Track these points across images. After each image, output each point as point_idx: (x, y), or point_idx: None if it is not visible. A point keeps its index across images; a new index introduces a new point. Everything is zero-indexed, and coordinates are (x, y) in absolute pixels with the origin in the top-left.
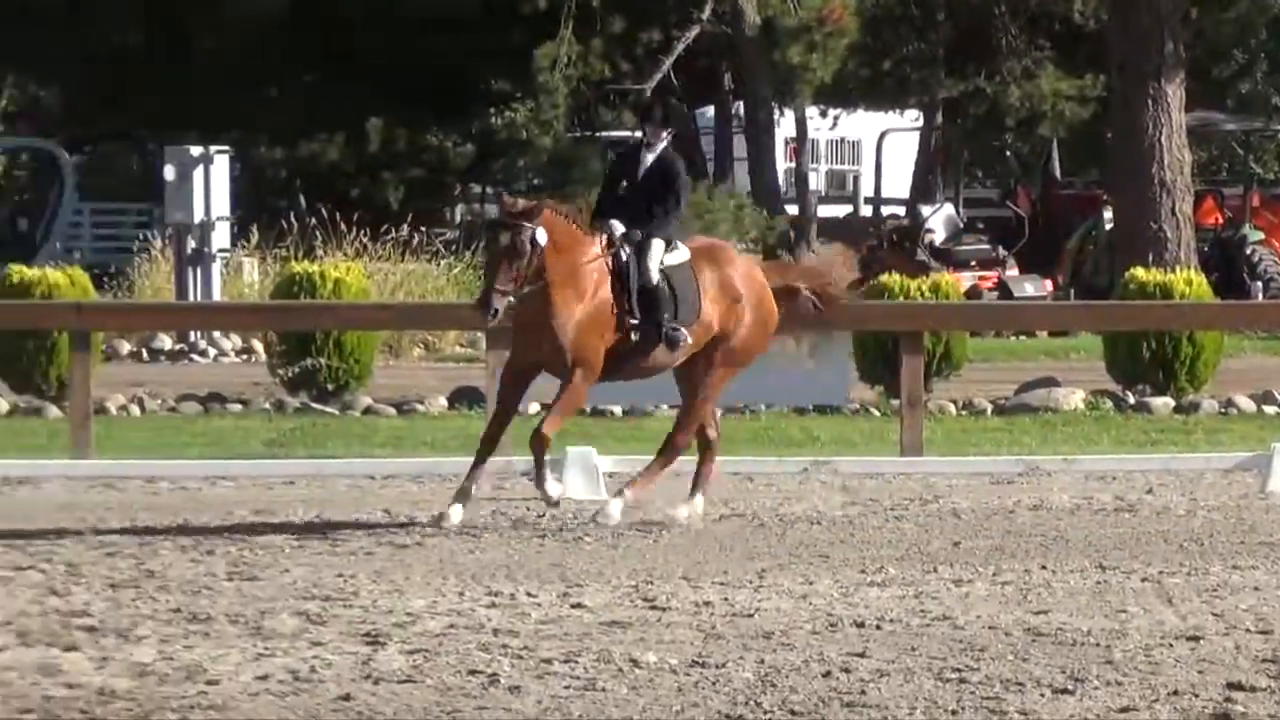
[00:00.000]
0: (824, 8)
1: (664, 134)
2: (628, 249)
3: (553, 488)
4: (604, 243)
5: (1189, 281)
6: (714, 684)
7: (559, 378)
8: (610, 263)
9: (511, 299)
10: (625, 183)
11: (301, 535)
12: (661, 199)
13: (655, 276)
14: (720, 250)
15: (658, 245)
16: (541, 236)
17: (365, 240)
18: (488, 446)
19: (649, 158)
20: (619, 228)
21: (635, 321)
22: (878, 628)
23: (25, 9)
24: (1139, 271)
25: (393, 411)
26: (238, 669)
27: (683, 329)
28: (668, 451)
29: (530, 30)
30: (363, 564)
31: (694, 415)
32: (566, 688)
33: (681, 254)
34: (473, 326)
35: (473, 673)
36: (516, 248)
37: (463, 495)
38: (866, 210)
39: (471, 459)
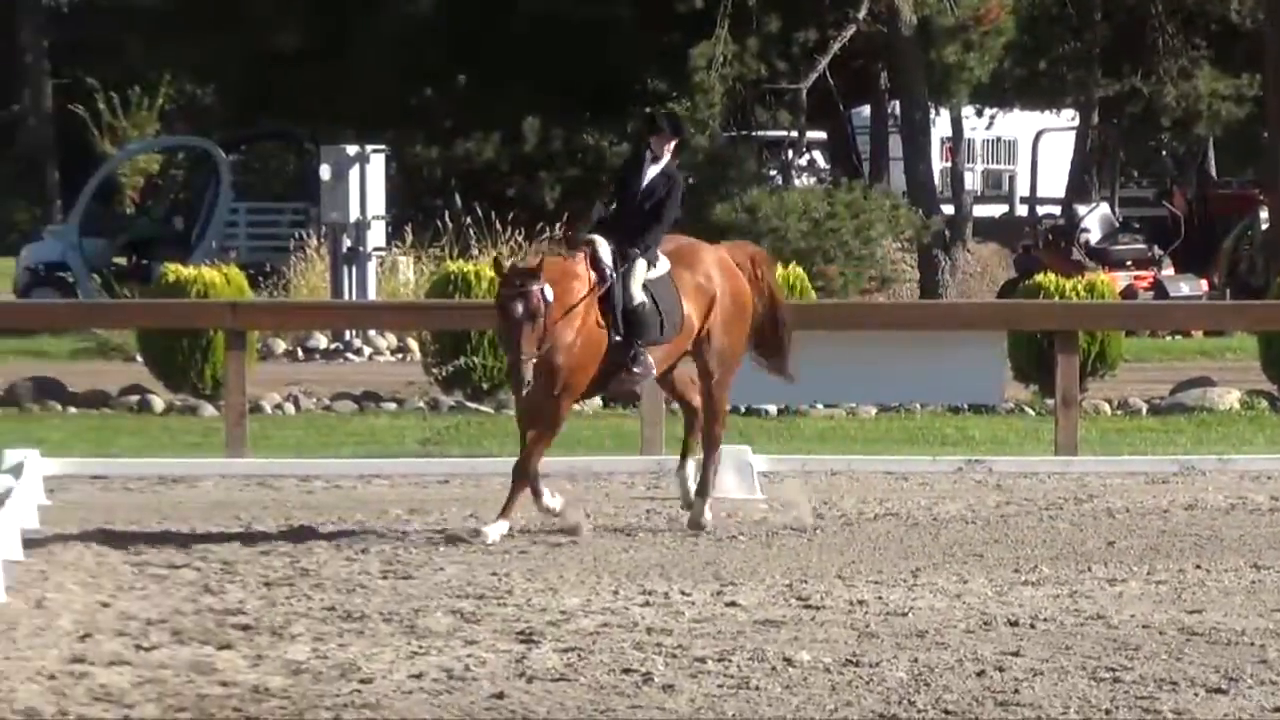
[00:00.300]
0: (981, 7)
1: (670, 145)
2: (614, 272)
3: (550, 500)
4: (589, 263)
5: None
6: (867, 683)
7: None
8: (599, 288)
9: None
10: (625, 194)
11: (456, 534)
12: (656, 213)
13: (639, 297)
14: (688, 250)
15: (641, 265)
16: (548, 291)
17: (520, 239)
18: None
19: (653, 170)
20: (605, 247)
21: (618, 339)
22: (1031, 627)
23: (185, 9)
24: None
25: None
26: (391, 667)
27: (646, 354)
28: (710, 448)
29: (686, 30)
30: (516, 562)
31: (716, 419)
32: (720, 686)
33: (662, 265)
34: None
35: (626, 671)
36: (531, 311)
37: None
38: (1022, 210)
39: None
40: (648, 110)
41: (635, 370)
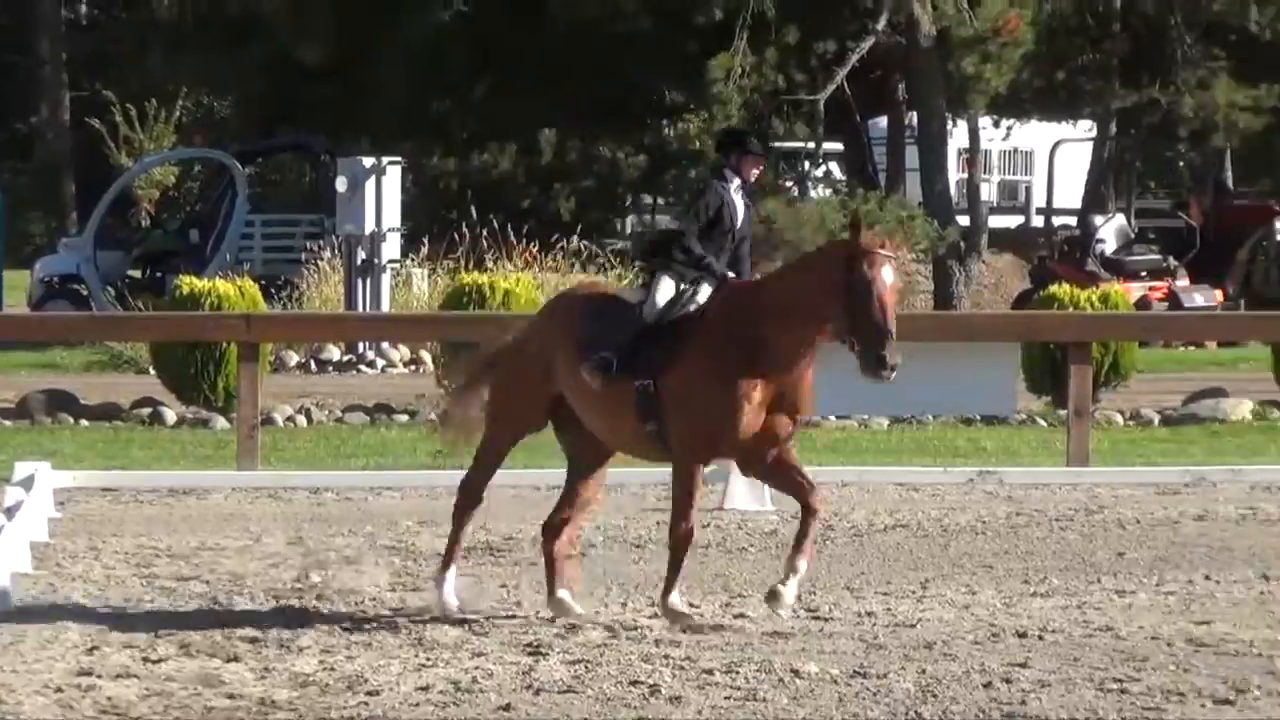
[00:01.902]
0: (999, 18)
1: (757, 171)
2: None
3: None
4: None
5: None
6: (875, 694)
7: None
8: None
9: None
10: (719, 229)
11: (465, 546)
12: (749, 256)
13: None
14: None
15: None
16: None
17: (535, 251)
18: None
19: (740, 201)
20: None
21: None
22: (1040, 638)
23: (205, 22)
24: None
25: None
26: (399, 679)
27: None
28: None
29: (704, 41)
30: (526, 574)
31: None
32: (727, 698)
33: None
34: None
35: (634, 683)
36: None
37: None
38: (1038, 221)
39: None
40: (736, 129)
41: None
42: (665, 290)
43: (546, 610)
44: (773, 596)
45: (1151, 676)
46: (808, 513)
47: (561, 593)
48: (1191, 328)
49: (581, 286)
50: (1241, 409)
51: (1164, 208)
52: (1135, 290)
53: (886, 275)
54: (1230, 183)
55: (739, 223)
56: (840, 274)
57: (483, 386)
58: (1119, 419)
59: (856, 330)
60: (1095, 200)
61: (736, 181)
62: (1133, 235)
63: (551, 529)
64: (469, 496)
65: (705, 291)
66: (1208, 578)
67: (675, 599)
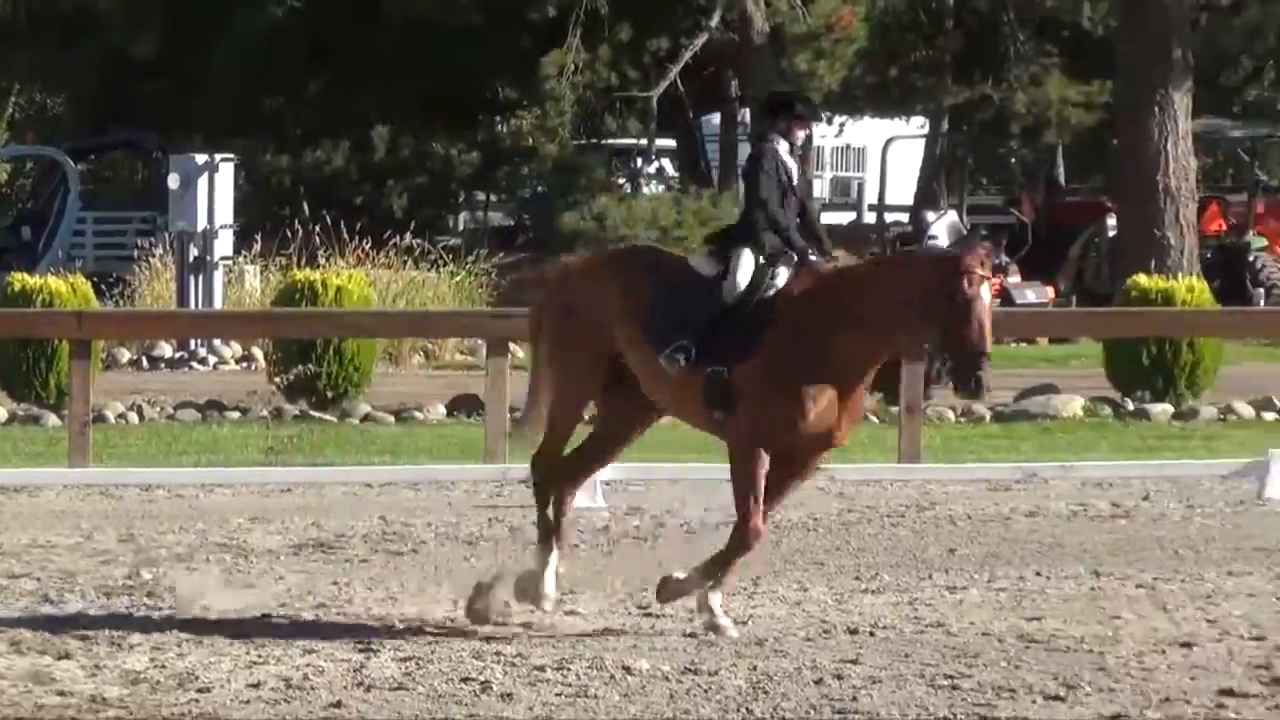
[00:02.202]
0: (833, 14)
1: (804, 133)
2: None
3: None
4: None
5: (1190, 289)
6: (706, 691)
7: None
8: None
9: None
10: (786, 193)
11: (297, 543)
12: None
13: None
14: None
15: None
16: None
17: (368, 248)
18: None
19: (795, 163)
20: None
21: None
22: (871, 634)
23: (38, 19)
24: (1140, 278)
25: (391, 419)
26: (230, 676)
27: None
28: None
29: (538, 38)
30: (358, 571)
31: None
32: (558, 694)
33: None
34: (473, 334)
35: (465, 680)
36: None
37: None
38: (870, 217)
39: (469, 465)
40: (783, 92)
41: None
42: (746, 267)
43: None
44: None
45: (982, 673)
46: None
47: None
48: (1023, 324)
49: (639, 247)
50: (1073, 405)
51: (996, 204)
52: None
53: (986, 296)
54: (1062, 179)
55: (797, 184)
56: (940, 289)
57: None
58: (950, 415)
59: (954, 349)
60: (927, 197)
61: (785, 144)
62: (965, 231)
63: (569, 478)
64: (544, 471)
65: (784, 274)
66: (1039, 574)
67: (717, 599)
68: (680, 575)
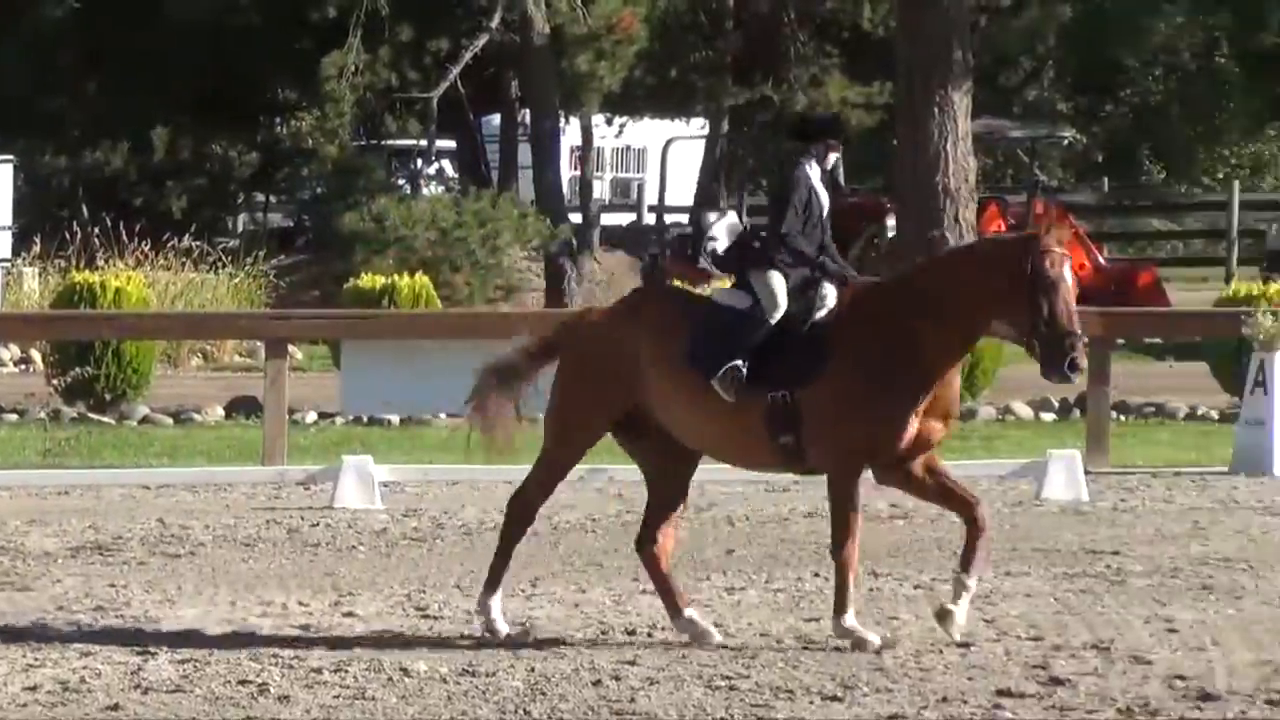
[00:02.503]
0: (614, 16)
1: (835, 156)
2: None
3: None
4: None
5: None
6: (484, 692)
7: None
8: None
9: None
10: (815, 217)
11: (75, 545)
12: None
13: None
14: None
15: None
16: None
17: (147, 250)
18: None
19: (824, 188)
20: None
21: None
22: (649, 635)
23: None
24: None
25: (169, 421)
26: (6, 679)
27: None
28: None
29: (318, 39)
30: (135, 574)
31: None
32: (336, 697)
33: None
34: (251, 336)
35: (242, 682)
36: None
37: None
38: (651, 218)
39: (247, 467)
40: (820, 116)
41: None
42: (777, 285)
43: (678, 633)
44: (943, 616)
45: (760, 673)
46: (974, 528)
47: (689, 611)
48: None
49: (657, 289)
50: None
51: None
52: None
53: (1068, 274)
54: (842, 179)
55: (825, 212)
56: (1021, 271)
57: (505, 395)
58: None
59: (1043, 331)
60: (707, 197)
61: (819, 169)
62: (745, 232)
63: (647, 545)
64: (524, 513)
65: (832, 292)
66: (817, 575)
67: (851, 619)
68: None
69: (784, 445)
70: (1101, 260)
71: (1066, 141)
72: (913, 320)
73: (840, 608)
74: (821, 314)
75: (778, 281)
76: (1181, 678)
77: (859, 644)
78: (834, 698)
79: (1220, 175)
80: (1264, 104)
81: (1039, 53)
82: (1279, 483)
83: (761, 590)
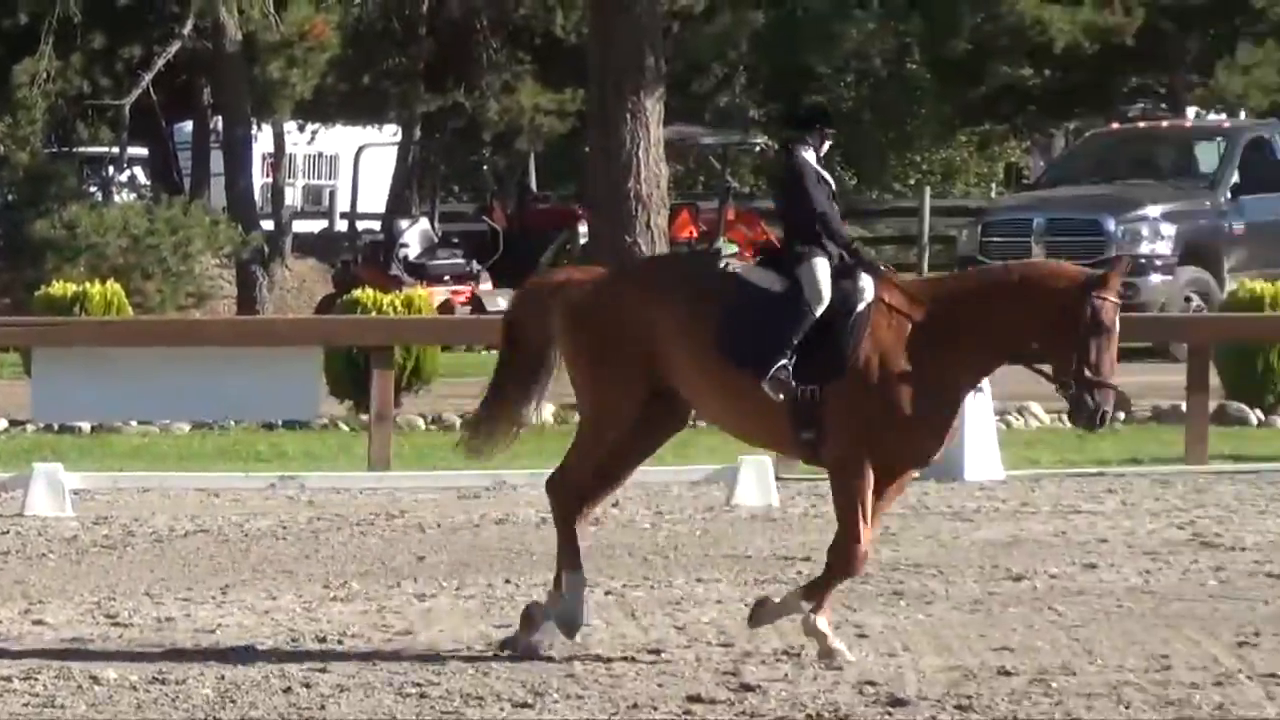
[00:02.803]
0: (306, 23)
1: (828, 145)
2: None
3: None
4: None
5: None
6: (174, 700)
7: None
8: None
9: None
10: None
11: None
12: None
13: None
14: None
15: None
16: None
17: None
18: None
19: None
20: None
21: None
22: (339, 643)
23: None
24: None
25: None
26: None
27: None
28: None
29: (9, 45)
30: None
31: None
32: (25, 705)
33: None
34: None
35: None
36: None
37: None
38: (342, 225)
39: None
40: (815, 106)
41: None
42: (823, 274)
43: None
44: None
45: (451, 680)
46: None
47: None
48: (494, 330)
49: (671, 256)
50: (544, 411)
51: (468, 212)
52: (439, 294)
53: (1117, 327)
54: (534, 186)
55: (832, 195)
56: (1080, 312)
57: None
58: (421, 423)
59: (1083, 377)
60: (399, 204)
61: (814, 156)
62: (436, 239)
63: (591, 496)
64: (569, 493)
65: (870, 283)
66: (508, 581)
67: (823, 622)
68: (776, 599)
69: (805, 440)
70: None
71: (758, 148)
72: (954, 332)
73: (816, 606)
74: (860, 307)
75: (823, 270)
76: (872, 683)
77: (826, 652)
78: (524, 704)
79: (912, 181)
80: (954, 110)
81: (731, 59)
82: (969, 488)
83: (452, 597)
